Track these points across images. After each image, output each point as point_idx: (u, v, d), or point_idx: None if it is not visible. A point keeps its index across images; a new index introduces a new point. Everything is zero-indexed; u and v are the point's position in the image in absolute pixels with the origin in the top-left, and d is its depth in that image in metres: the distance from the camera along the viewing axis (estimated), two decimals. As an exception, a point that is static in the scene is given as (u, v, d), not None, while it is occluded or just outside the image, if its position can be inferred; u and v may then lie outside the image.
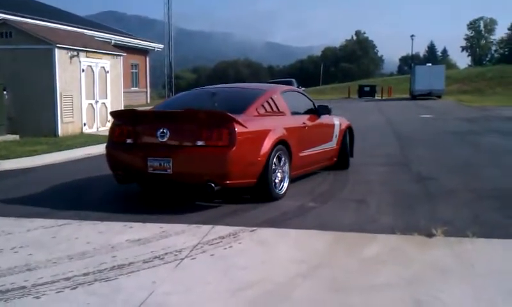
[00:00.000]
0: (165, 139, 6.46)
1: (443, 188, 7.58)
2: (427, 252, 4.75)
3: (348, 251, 4.82)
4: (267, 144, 6.72)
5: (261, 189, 6.77)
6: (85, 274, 4.24)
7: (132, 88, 36.17)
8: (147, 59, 37.88)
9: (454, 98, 42.37)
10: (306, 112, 8.42)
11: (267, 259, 4.65)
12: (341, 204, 6.66)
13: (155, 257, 4.65)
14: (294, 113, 7.98)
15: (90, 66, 16.40)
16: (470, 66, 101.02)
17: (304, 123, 8.02)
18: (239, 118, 6.44)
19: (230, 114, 6.32)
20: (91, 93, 16.54)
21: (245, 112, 6.85)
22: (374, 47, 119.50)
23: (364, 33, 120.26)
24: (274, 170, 6.91)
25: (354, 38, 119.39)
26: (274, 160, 6.88)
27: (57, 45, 14.74)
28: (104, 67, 17.16)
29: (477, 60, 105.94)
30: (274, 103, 7.50)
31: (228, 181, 6.34)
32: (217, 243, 5.04)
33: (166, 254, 4.73)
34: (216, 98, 7.72)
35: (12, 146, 12.22)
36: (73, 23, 26.96)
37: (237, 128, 6.28)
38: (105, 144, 7.32)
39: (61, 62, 14.95)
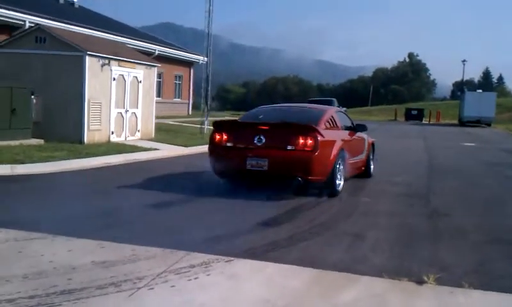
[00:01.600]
0: (261, 144, 8.35)
1: (456, 226, 6.99)
2: (411, 303, 4.25)
3: (323, 293, 4.38)
4: (334, 150, 8.70)
5: (328, 185, 8.64)
6: (31, 297, 3.97)
7: (175, 99, 36.48)
8: (191, 70, 38.15)
9: (504, 127, 40.73)
10: (348, 128, 10.25)
11: (230, 296, 4.26)
12: (336, 237, 6.19)
13: (112, 283, 4.33)
14: (344, 128, 9.93)
15: (122, 75, 16.42)
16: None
17: (350, 137, 9.96)
18: (319, 128, 8.43)
19: (315, 126, 8.39)
20: (122, 101, 16.54)
21: (319, 125, 8.63)
22: (426, 70, 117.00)
23: (417, 55, 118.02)
24: (338, 171, 8.81)
25: (407, 60, 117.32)
26: (339, 163, 8.82)
27: (88, 53, 14.79)
28: (136, 77, 17.16)
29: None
30: (334, 120, 9.49)
31: (310, 177, 8.33)
32: (185, 272, 4.68)
33: (125, 281, 4.41)
34: (292, 113, 9.95)
35: (32, 150, 12.26)
36: (116, 32, 27.36)
37: (319, 137, 8.24)
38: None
39: (92, 69, 15.00)
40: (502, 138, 29.05)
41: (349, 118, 10.83)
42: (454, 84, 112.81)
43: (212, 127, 9.19)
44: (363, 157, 10.79)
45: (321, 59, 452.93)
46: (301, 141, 8.22)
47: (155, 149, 15.16)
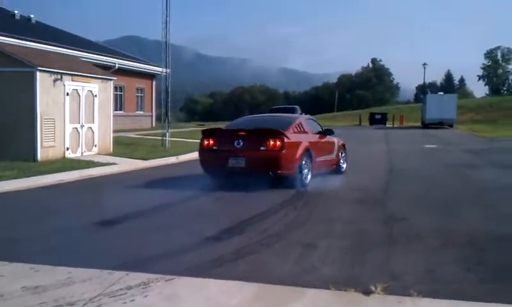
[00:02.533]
0: (240, 146, 10.20)
1: (411, 231, 6.85)
2: (357, 315, 4.06)
3: (266, 310, 4.15)
4: (300, 150, 10.52)
5: (296, 179, 10.29)
6: None
7: (137, 112, 35.97)
8: (153, 83, 37.67)
9: (466, 127, 41.39)
10: (318, 133, 12.26)
11: (165, 318, 4.00)
12: (287, 248, 5.97)
13: (39, 311, 4.02)
14: (312, 132, 11.88)
15: (76, 89, 15.98)
16: (487, 95, 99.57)
17: (318, 139, 11.93)
18: (286, 132, 10.29)
19: (281, 130, 10.28)
20: (77, 116, 16.10)
21: (287, 130, 10.55)
22: (389, 74, 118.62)
23: (380, 61, 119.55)
24: (304, 167, 10.62)
25: (371, 65, 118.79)
26: (305, 160, 10.63)
27: (39, 68, 14.33)
28: (91, 91, 16.73)
29: (494, 89, 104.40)
30: (302, 126, 11.48)
31: (279, 172, 10.14)
32: (120, 295, 4.39)
33: (54, 307, 4.10)
34: (267, 121, 11.81)
35: (-21, 171, 11.75)
36: (73, 47, 26.83)
37: (286, 139, 10.10)
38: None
39: (43, 85, 14.54)
40: (463, 139, 29.43)
41: (318, 124, 13.02)
42: (417, 87, 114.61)
43: (201, 135, 11.17)
44: (333, 156, 12.74)
45: (286, 67, 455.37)
46: (271, 142, 10.08)
47: (112, 164, 14.75)
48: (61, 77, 15.22)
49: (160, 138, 21.99)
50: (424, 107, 45.09)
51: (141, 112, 36.44)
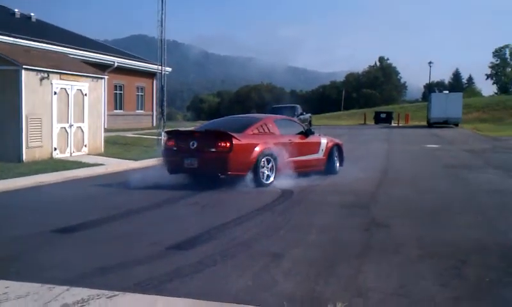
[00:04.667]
0: (194, 147, 10.62)
1: (390, 240, 6.40)
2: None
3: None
4: (255, 152, 10.70)
5: (252, 179, 10.53)
6: None
7: (137, 111, 35.61)
8: (154, 81, 37.28)
9: (472, 126, 40.75)
10: (296, 133, 12.36)
11: (92, 344, 3.59)
12: (251, 259, 5.53)
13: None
14: (283, 134, 11.88)
15: (64, 88, 15.63)
16: (495, 94, 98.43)
17: (290, 140, 11.83)
18: (237, 135, 10.54)
19: (230, 132, 10.50)
20: (65, 116, 15.76)
21: (243, 132, 10.96)
22: (397, 73, 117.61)
23: (387, 59, 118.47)
24: (262, 167, 10.78)
25: (378, 64, 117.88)
26: (263, 161, 10.81)
27: (24, 67, 14.00)
28: (81, 89, 16.38)
29: (502, 88, 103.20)
30: (267, 127, 11.61)
31: (229, 173, 10.40)
32: (53, 314, 4.00)
33: (-25, 330, 3.71)
34: (229, 123, 12.15)
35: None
36: (70, 45, 26.52)
37: (234, 141, 10.36)
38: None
39: (29, 84, 14.21)
40: (467, 138, 28.85)
41: (300, 124, 13.51)
42: (424, 86, 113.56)
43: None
44: (319, 156, 12.70)
45: (293, 66, 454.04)
46: (220, 144, 10.43)
47: (100, 164, 14.40)
48: (48, 76, 14.88)
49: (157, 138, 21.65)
50: (429, 105, 44.47)
51: (142, 111, 36.05)
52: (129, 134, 26.49)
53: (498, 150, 20.47)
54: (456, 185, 11.29)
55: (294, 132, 12.42)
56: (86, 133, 16.74)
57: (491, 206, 8.87)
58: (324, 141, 12.95)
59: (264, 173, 10.81)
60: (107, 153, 17.04)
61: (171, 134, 11.86)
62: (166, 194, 9.92)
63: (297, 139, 12.13)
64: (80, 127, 16.44)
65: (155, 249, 5.92)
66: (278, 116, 14.09)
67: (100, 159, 15.55)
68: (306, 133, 12.61)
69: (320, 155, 12.73)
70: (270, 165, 10.96)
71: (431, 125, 42.81)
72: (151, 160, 16.13)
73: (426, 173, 13.36)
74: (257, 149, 10.75)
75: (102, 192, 10.51)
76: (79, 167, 13.53)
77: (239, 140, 10.50)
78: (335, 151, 13.17)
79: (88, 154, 16.53)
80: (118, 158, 16.28)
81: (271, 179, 10.95)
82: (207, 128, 11.74)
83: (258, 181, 10.59)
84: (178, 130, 12.62)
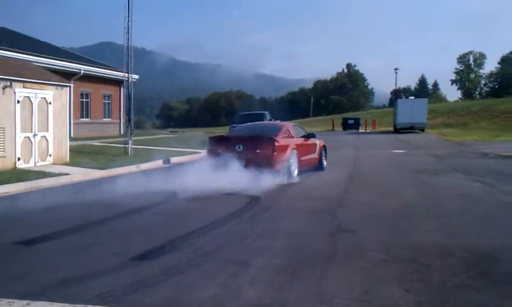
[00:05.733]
0: (239, 149, 12.71)
1: (355, 246, 6.44)
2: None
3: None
4: (288, 151, 12.94)
5: (286, 173, 12.52)
6: None
7: (104, 119, 35.17)
8: (121, 89, 36.89)
9: (437, 131, 41.48)
10: (302, 136, 14.69)
11: None
12: (218, 267, 5.50)
13: None
14: (297, 136, 14.31)
15: (28, 96, 15.34)
16: (460, 99, 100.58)
17: (302, 142, 14.29)
18: (276, 138, 12.77)
19: (273, 137, 12.75)
20: (29, 125, 15.46)
21: (277, 136, 13.09)
22: (364, 79, 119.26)
23: (355, 66, 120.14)
24: (292, 164, 12.98)
25: (345, 70, 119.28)
26: (291, 159, 12.99)
27: (-15, 75, 13.71)
28: (45, 98, 16.10)
29: (466, 94, 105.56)
30: (289, 131, 13.99)
31: (272, 168, 12.19)
32: (10, 330, 3.89)
33: None
34: (262, 129, 14.44)
35: None
36: (34, 53, 26.06)
37: (276, 143, 12.58)
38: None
39: (-9, 92, 13.90)
40: (432, 143, 29.32)
41: (303, 129, 15.58)
42: (391, 92, 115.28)
43: (208, 140, 14.25)
44: (315, 155, 15.00)
45: (262, 73, 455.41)
46: (267, 146, 12.55)
47: (65, 174, 14.14)
48: (11, 84, 14.58)
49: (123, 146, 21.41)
50: (395, 111, 45.08)
51: (109, 119, 35.63)
52: (96, 143, 26.13)
53: (463, 155, 20.86)
54: (421, 190, 11.44)
55: (301, 135, 14.74)
56: (51, 142, 16.44)
57: (454, 210, 9.01)
58: (317, 143, 15.31)
59: (292, 168, 12.94)
60: (72, 163, 16.76)
61: (216, 139, 13.90)
62: (132, 203, 9.73)
63: (304, 141, 14.47)
64: (44, 136, 16.14)
65: (118, 259, 5.83)
66: (292, 122, 16.33)
67: (65, 169, 15.28)
68: (308, 136, 14.94)
69: (316, 154, 15.04)
70: (295, 161, 13.19)
71: (397, 130, 43.39)
72: (118, 169, 15.96)
73: (392, 178, 13.52)
74: (289, 149, 12.97)
75: (65, 202, 10.28)
76: (43, 177, 13.26)
77: (279, 142, 12.72)
78: (323, 151, 15.63)
79: (53, 164, 16.24)
80: (84, 167, 16.01)
81: (295, 172, 13.11)
82: (249, 134, 13.86)
83: (289, 174, 12.70)
84: (223, 136, 14.88)
